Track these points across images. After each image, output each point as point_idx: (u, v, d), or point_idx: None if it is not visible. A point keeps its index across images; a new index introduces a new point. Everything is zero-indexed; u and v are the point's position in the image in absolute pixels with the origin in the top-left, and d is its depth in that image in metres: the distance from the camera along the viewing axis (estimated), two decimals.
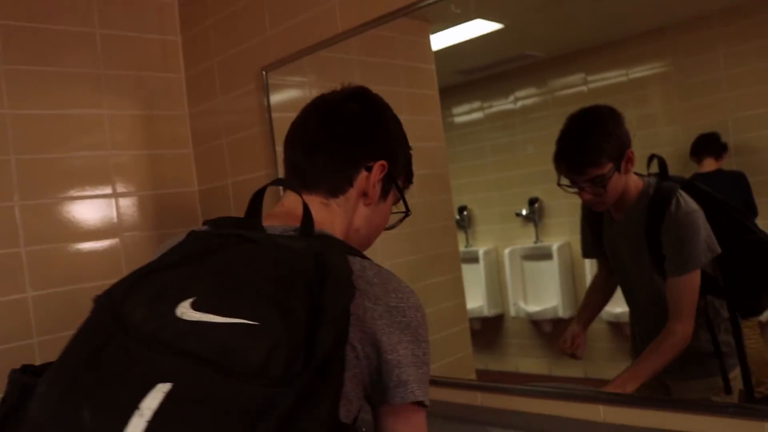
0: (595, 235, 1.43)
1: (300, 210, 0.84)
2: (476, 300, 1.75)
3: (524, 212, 1.67)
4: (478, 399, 1.45)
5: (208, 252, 0.75)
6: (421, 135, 1.69)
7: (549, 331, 1.63)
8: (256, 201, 0.87)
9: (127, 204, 2.00)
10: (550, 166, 1.31)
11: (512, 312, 1.69)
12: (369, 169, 0.96)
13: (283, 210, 0.94)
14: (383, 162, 0.96)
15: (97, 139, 1.93)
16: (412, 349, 0.80)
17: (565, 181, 1.34)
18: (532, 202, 1.66)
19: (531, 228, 1.67)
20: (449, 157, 1.68)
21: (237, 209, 1.95)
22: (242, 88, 1.95)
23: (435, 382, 1.50)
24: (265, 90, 1.82)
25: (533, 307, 1.65)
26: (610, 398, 1.26)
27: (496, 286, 1.73)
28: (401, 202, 1.03)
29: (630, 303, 1.42)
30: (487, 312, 1.73)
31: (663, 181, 1.30)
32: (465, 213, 1.73)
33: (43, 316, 1.71)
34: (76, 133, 1.89)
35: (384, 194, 0.99)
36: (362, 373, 0.78)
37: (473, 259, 1.76)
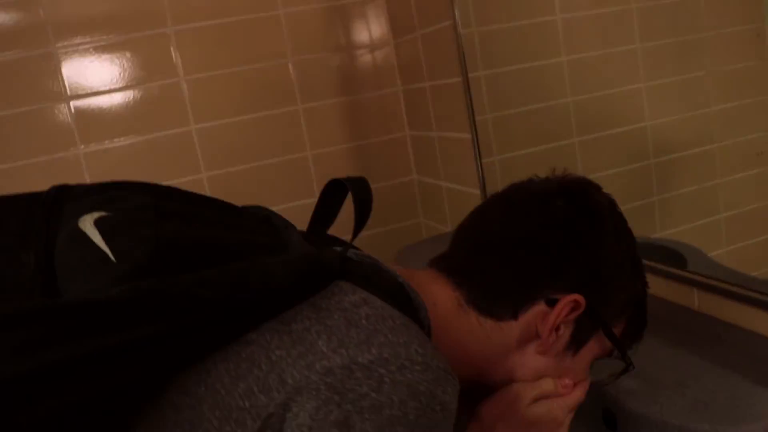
0: None
1: (427, 284, 0.65)
2: None
3: None
4: (696, 300, 0.96)
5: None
6: None
7: None
8: (323, 198, 0.67)
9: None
10: None
11: None
12: (551, 303, 0.65)
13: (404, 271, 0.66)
14: (577, 297, 0.64)
15: None
16: None
17: None
18: None
19: None
20: None
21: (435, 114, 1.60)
22: None
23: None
24: None
25: None
26: None
27: None
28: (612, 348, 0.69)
29: None
30: None
31: None
32: None
33: None
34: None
35: (576, 345, 0.67)
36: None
37: None
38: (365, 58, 1.69)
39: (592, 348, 0.69)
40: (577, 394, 0.69)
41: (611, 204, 0.70)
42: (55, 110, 1.49)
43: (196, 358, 0.51)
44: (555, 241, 0.66)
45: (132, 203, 0.59)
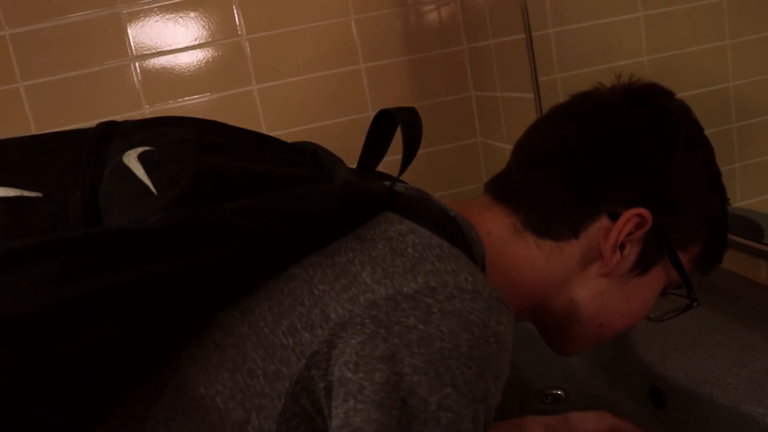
0: None
1: (480, 213, 0.63)
2: None
3: None
4: (763, 273, 0.89)
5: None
6: None
7: None
8: (372, 131, 0.65)
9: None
10: None
11: None
12: (614, 217, 0.60)
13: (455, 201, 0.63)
14: (641, 211, 0.59)
15: None
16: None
17: None
18: None
19: None
20: None
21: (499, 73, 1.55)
22: None
23: None
24: None
25: None
26: None
27: None
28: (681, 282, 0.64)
29: None
30: None
31: None
32: None
33: None
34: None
35: (643, 265, 0.62)
36: (291, 374, 0.47)
37: None
38: (430, 15, 1.64)
39: (660, 273, 0.64)
40: None
41: (684, 111, 0.64)
42: (122, 70, 1.51)
43: (239, 294, 0.49)
44: (618, 150, 0.61)
45: (176, 137, 0.59)
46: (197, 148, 0.57)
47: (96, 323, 0.44)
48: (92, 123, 1.56)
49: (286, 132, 1.59)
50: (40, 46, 1.46)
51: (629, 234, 0.60)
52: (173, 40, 1.52)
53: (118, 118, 1.52)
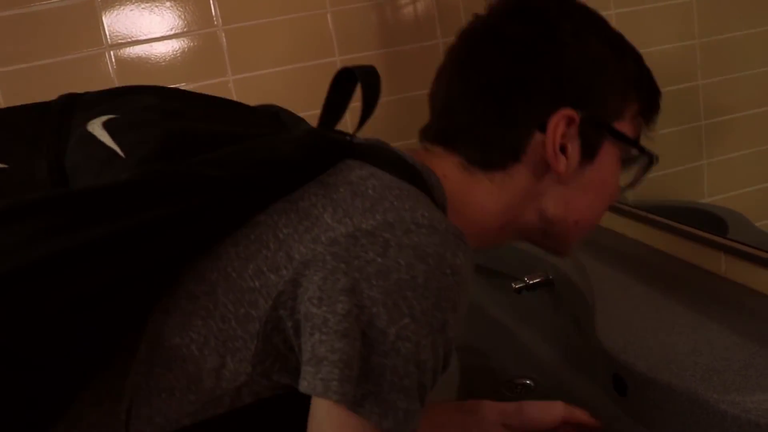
0: None
1: (430, 158, 0.64)
2: None
3: None
4: (722, 265, 0.91)
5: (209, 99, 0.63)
6: None
7: None
8: (332, 91, 0.64)
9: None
10: None
11: None
12: (544, 128, 0.62)
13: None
14: (564, 111, 0.62)
15: None
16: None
17: None
18: None
19: None
20: None
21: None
22: None
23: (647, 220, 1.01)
24: None
25: None
26: None
27: None
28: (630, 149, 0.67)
29: None
30: None
31: None
32: None
33: None
34: None
35: (588, 153, 0.65)
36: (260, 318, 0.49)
37: None
38: (405, 9, 1.65)
39: (609, 151, 0.66)
40: None
41: (570, 3, 0.67)
42: (97, 59, 1.49)
43: (208, 243, 0.51)
44: (517, 70, 0.64)
45: (139, 104, 0.60)
46: (162, 115, 0.58)
47: (78, 279, 0.45)
48: None
49: None
50: (13, 32, 1.44)
51: (563, 136, 0.63)
52: (149, 30, 1.51)
53: None
